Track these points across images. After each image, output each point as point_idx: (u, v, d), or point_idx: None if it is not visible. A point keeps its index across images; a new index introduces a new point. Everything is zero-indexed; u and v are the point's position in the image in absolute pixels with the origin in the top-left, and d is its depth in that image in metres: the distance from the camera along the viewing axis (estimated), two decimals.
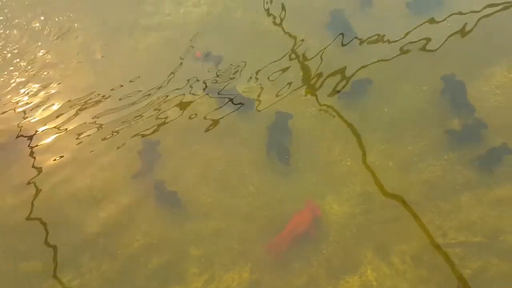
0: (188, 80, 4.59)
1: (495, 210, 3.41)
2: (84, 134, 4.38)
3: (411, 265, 3.27)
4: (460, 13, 4.40)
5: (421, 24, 4.42)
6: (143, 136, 4.25)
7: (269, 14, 4.92)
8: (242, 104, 4.22)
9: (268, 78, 4.42)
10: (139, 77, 4.72)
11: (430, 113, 3.89)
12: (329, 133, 3.92)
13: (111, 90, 4.67)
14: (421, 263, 3.27)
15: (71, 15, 5.46)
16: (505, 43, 4.15)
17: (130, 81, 4.71)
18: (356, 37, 4.45)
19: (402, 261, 3.31)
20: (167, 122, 4.31)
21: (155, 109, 4.43)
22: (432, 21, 4.44)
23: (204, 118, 4.27)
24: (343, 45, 4.45)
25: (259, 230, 3.58)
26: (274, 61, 4.50)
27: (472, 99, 3.86)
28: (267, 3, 5.04)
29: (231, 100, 4.29)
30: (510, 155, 3.57)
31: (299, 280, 3.33)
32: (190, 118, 4.30)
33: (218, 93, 4.38)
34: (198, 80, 4.57)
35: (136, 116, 4.41)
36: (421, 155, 3.70)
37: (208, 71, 4.60)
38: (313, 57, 4.44)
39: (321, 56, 4.43)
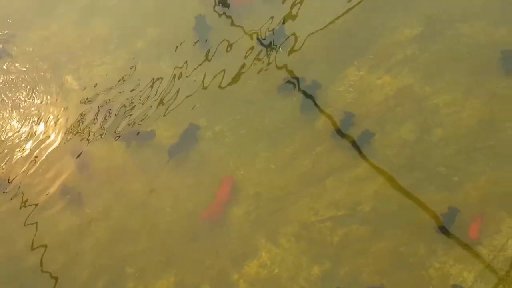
0: None
1: (354, 187, 4.43)
2: None
3: (294, 242, 4.30)
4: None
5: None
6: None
7: None
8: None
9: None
10: None
11: (299, 117, 4.88)
12: (222, 150, 4.92)
13: None
14: (301, 238, 4.30)
15: None
16: (355, 45, 5.14)
17: None
18: None
19: (287, 240, 4.33)
20: None
21: None
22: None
23: None
24: None
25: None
26: None
27: (331, 100, 4.88)
28: None
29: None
30: (371, 138, 4.59)
31: (211, 272, 4.35)
32: None
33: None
34: None
35: None
36: (296, 154, 4.69)
37: None
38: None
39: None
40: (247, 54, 5.41)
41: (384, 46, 5.04)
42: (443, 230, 4.04)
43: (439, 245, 3.98)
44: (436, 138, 4.48)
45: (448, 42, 4.91)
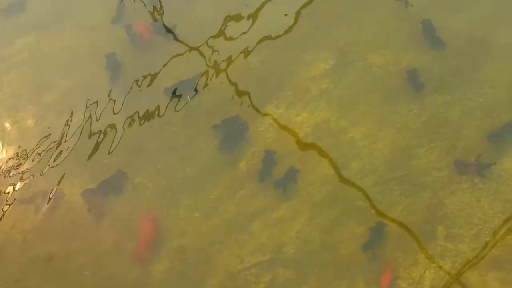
0: None
1: (278, 229, 4.44)
2: None
3: None
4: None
5: None
6: None
7: None
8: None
9: None
10: None
11: (222, 160, 4.87)
12: (143, 203, 4.86)
13: None
14: None
15: None
16: (273, 82, 5.20)
17: None
18: None
19: None
20: None
21: None
22: None
23: None
24: None
25: None
26: None
27: (252, 140, 4.91)
28: None
29: None
30: (295, 176, 4.63)
31: None
32: None
33: None
34: None
35: None
36: (220, 200, 4.67)
37: None
38: None
39: None
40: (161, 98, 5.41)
41: (300, 81, 5.14)
42: (363, 264, 4.11)
43: (361, 282, 4.04)
44: (354, 171, 4.58)
45: (359, 73, 5.06)
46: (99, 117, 5.39)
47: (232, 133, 4.94)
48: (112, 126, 5.31)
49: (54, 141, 5.32)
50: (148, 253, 4.53)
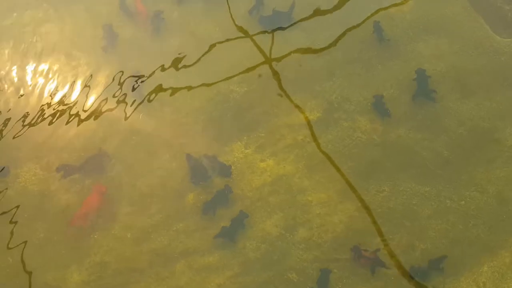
0: None
1: (201, 276, 4.21)
2: None
3: None
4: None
5: None
6: None
7: None
8: None
9: None
10: None
11: (173, 186, 4.67)
12: None
13: None
14: None
15: None
16: (250, 118, 4.90)
17: None
18: None
19: None
20: None
21: None
22: None
23: None
24: None
25: None
26: None
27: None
28: None
29: None
30: (246, 218, 4.37)
31: None
32: None
33: None
34: None
35: None
36: (156, 227, 4.49)
37: None
38: None
39: None
40: None
41: (277, 126, 4.82)
42: None
43: None
44: (299, 239, 4.24)
45: (342, 134, 4.67)
46: None
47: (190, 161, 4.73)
48: None
49: None
50: (86, 221, 4.58)
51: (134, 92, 5.19)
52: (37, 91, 5.41)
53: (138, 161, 4.83)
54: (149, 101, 5.12)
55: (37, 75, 5.52)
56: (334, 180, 4.46)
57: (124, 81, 5.33)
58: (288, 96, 4.97)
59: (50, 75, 5.50)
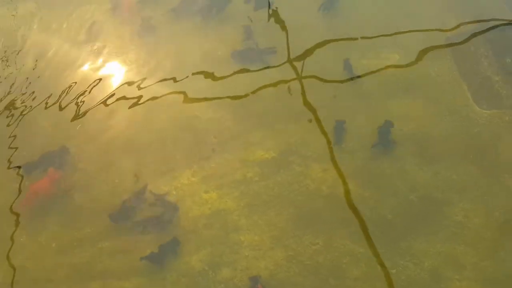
0: None
1: None
2: None
3: None
4: None
5: None
6: None
7: None
8: None
9: None
10: None
11: (112, 202, 4.63)
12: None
13: None
14: None
15: None
16: (203, 148, 4.86)
17: None
18: None
19: None
20: None
21: None
22: None
23: None
24: None
25: None
26: None
27: (149, 196, 4.61)
28: None
29: None
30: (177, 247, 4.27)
31: None
32: None
33: None
34: None
35: None
36: (82, 241, 4.43)
37: None
38: None
39: None
40: None
41: (230, 159, 4.75)
42: None
43: None
44: (220, 278, 4.07)
45: (291, 178, 4.54)
46: None
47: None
48: None
49: None
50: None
51: None
52: None
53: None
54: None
55: None
56: (271, 224, 4.30)
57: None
58: (248, 131, 4.94)
59: None
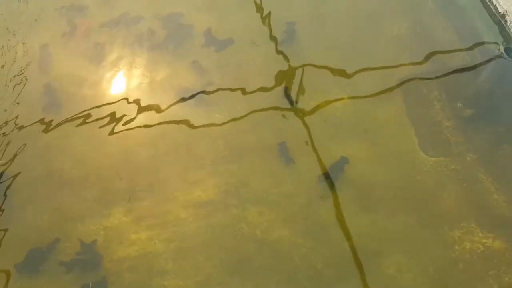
0: None
1: None
2: None
3: None
4: None
5: None
6: None
7: None
8: None
9: None
10: None
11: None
12: None
13: None
14: None
15: None
16: (147, 182, 4.73)
17: None
18: None
19: None
20: None
21: None
22: None
23: None
24: None
25: None
26: None
27: (72, 236, 4.44)
28: None
29: None
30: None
31: None
32: None
33: None
34: None
35: None
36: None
37: None
38: None
39: None
40: None
41: (166, 199, 4.60)
42: None
43: None
44: None
45: (225, 222, 4.37)
46: None
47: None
48: None
49: None
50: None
51: None
52: None
53: None
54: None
55: None
56: (198, 269, 4.12)
57: None
58: (192, 169, 4.80)
59: None
